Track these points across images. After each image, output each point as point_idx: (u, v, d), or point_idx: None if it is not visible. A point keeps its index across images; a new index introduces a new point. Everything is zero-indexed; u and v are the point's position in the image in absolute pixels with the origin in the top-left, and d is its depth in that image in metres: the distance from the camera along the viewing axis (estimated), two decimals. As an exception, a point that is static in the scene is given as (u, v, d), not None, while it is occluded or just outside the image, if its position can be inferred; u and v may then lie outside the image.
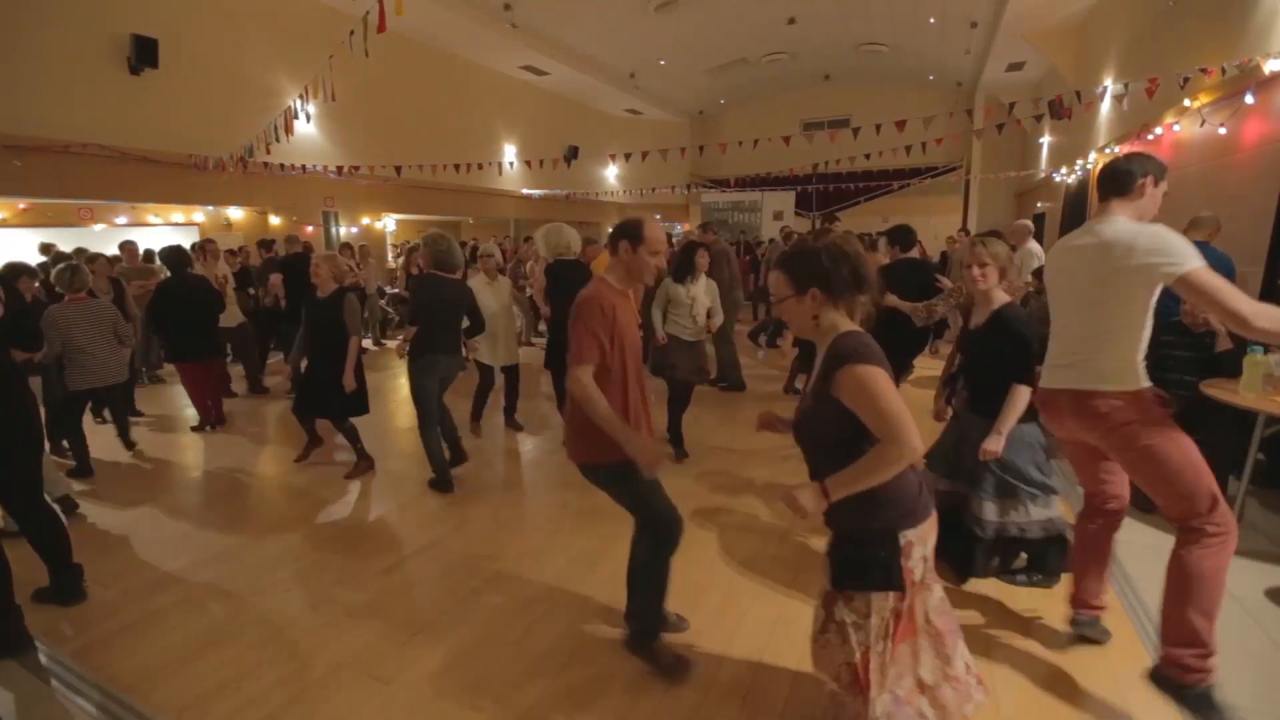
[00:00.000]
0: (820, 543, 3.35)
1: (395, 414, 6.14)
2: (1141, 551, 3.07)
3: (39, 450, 2.86)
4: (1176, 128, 6.77)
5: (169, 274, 5.55)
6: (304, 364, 4.50)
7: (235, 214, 10.40)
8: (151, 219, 10.06)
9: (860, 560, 1.60)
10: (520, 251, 10.12)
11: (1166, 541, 2.12)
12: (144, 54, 7.86)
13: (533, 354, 7.89)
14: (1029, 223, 7.29)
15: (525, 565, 3.20)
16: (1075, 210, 10.55)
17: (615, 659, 2.47)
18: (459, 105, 13.42)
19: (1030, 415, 2.72)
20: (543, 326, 7.91)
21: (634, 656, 2.40)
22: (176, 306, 5.26)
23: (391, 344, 8.93)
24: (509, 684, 2.34)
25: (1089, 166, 9.83)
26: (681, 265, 4.69)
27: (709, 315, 4.67)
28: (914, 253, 4.62)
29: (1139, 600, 2.77)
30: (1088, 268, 2.10)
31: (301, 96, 7.17)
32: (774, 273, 1.68)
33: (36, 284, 5.09)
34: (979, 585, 2.92)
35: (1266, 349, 3.30)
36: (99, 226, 9.36)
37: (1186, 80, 5.88)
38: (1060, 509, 2.90)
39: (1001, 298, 2.75)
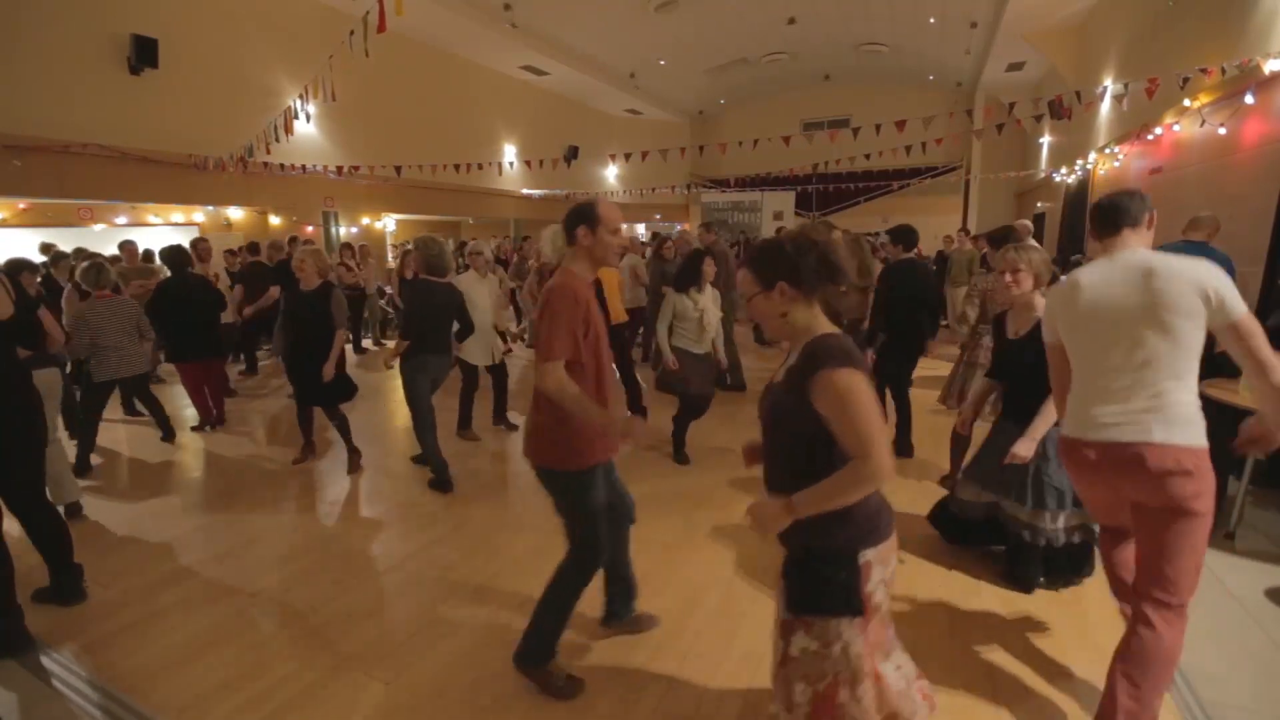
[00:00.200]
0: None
1: (395, 414, 6.14)
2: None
3: (40, 449, 2.86)
4: (1176, 128, 6.77)
5: (169, 274, 5.56)
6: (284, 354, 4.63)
7: (235, 214, 10.40)
8: (151, 219, 10.06)
9: (817, 582, 1.47)
10: (524, 249, 10.11)
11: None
12: (144, 54, 7.87)
13: (530, 354, 7.87)
14: (1028, 223, 7.28)
15: (525, 564, 3.20)
16: (1075, 210, 10.56)
17: (616, 657, 2.47)
18: (459, 105, 13.42)
19: None
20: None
21: (522, 675, 2.29)
22: (177, 306, 5.26)
23: (390, 344, 8.92)
24: (509, 683, 2.33)
25: (1089, 166, 9.83)
26: (686, 274, 4.51)
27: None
28: (913, 253, 4.64)
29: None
30: (1152, 299, 1.83)
31: (301, 96, 7.18)
32: (741, 270, 1.58)
33: (38, 279, 5.13)
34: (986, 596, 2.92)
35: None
36: (99, 226, 9.36)
37: (1186, 80, 5.88)
38: None
39: (1043, 305, 2.60)
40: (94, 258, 5.89)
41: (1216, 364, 3.51)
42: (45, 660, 2.54)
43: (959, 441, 3.90)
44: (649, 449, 4.92)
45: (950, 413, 4.36)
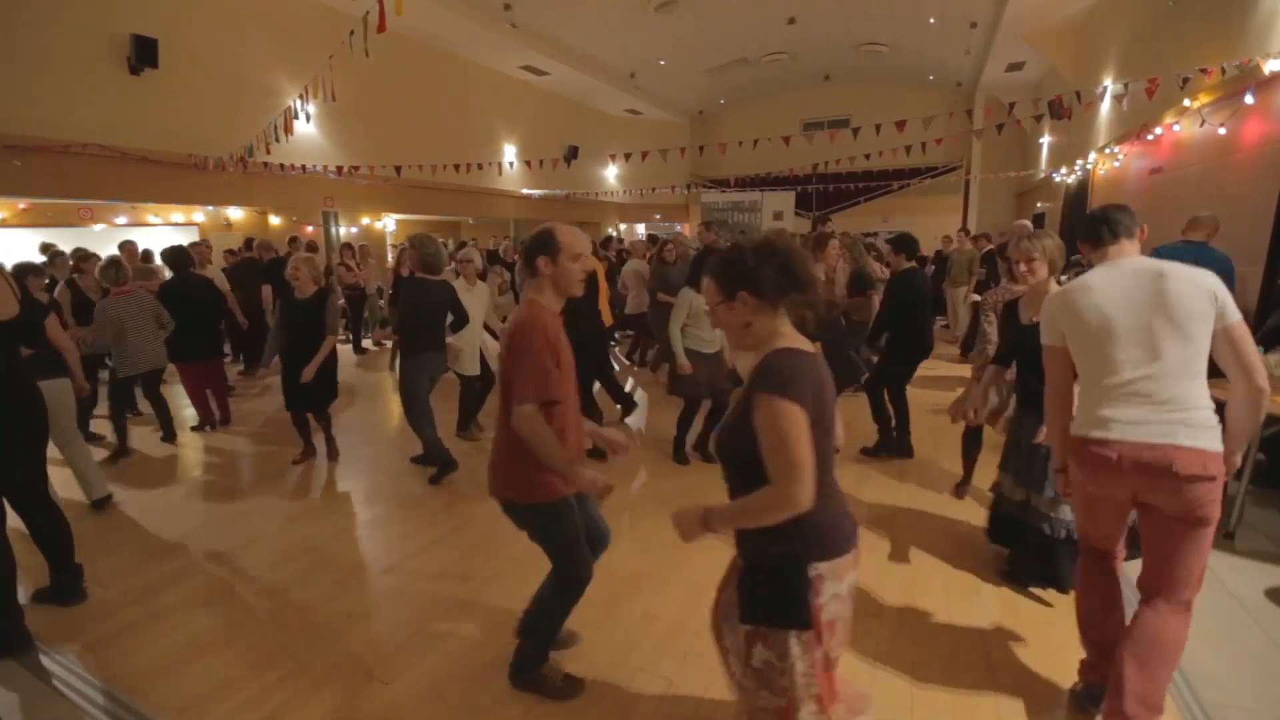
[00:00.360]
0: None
1: (395, 414, 6.14)
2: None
3: (40, 448, 2.86)
4: (1176, 128, 6.77)
5: (169, 274, 5.58)
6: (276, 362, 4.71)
7: (235, 214, 10.40)
8: (151, 219, 10.06)
9: (764, 593, 1.45)
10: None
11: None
12: (144, 54, 7.86)
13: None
14: (1028, 223, 7.29)
15: (525, 564, 3.19)
16: (1075, 210, 10.56)
17: (616, 657, 2.47)
18: (459, 105, 13.42)
19: None
20: None
21: (521, 690, 2.29)
22: (179, 307, 5.27)
23: (388, 344, 8.93)
24: (509, 683, 2.33)
25: (1089, 166, 9.83)
26: (701, 273, 4.51)
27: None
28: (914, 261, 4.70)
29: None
30: (1169, 302, 1.88)
31: (301, 96, 7.17)
32: (705, 279, 1.57)
33: (44, 283, 5.17)
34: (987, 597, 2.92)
35: (1266, 349, 3.30)
36: (99, 226, 9.36)
37: (1186, 80, 5.88)
38: None
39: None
40: (90, 256, 6.01)
41: (1217, 364, 3.53)
42: (45, 660, 2.54)
43: (971, 445, 3.86)
44: (649, 449, 4.92)
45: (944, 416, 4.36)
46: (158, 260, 7.88)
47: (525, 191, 15.49)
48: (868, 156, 10.78)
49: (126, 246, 7.25)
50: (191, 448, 5.26)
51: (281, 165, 9.17)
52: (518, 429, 1.99)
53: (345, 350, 7.62)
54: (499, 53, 13.15)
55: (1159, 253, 4.38)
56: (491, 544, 3.46)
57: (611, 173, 18.32)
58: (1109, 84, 8.23)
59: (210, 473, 4.71)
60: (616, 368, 5.54)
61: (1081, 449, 2.00)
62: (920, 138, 9.56)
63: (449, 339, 4.65)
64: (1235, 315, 1.86)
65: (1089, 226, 2.10)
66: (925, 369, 4.75)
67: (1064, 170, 10.98)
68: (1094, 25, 10.24)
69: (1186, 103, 6.23)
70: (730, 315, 1.49)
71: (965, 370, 7.11)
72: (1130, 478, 1.91)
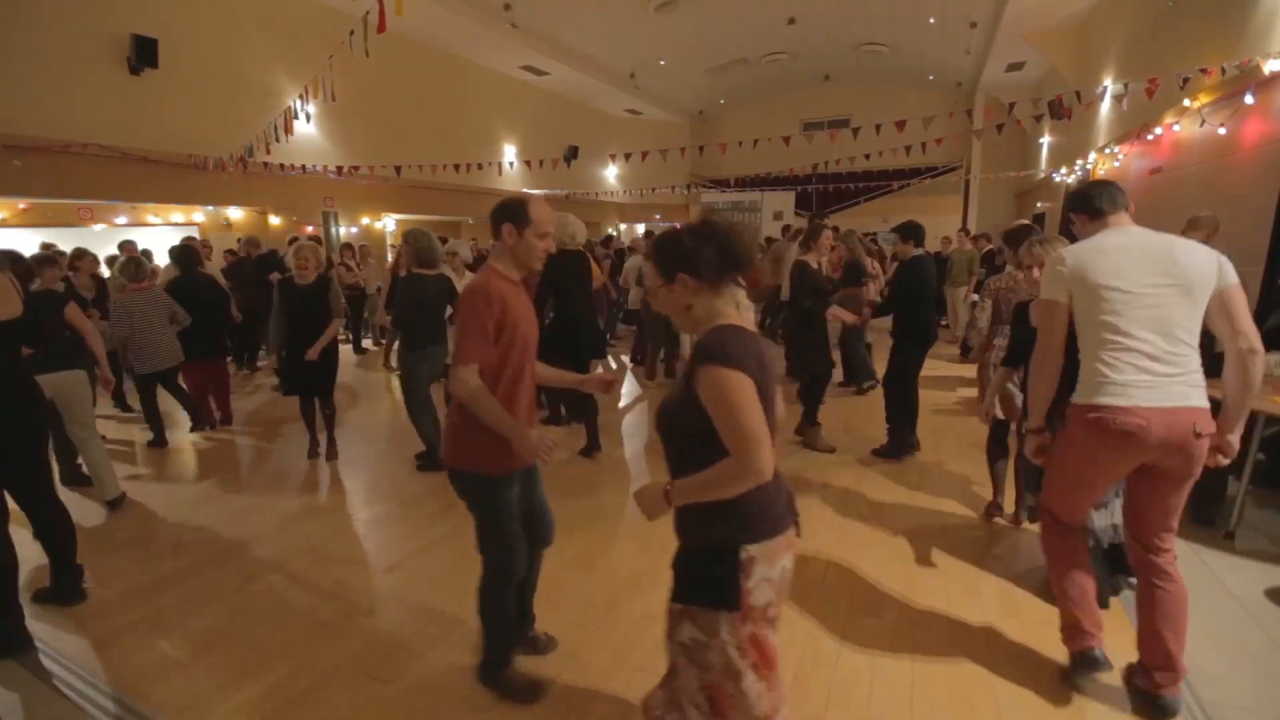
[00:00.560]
0: (817, 545, 3.36)
1: (396, 414, 6.14)
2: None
3: (41, 447, 2.87)
4: (1176, 128, 6.77)
5: (176, 273, 5.60)
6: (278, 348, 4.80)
7: (235, 214, 10.40)
8: (151, 219, 10.06)
9: (695, 572, 1.47)
10: None
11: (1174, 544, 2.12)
12: (144, 54, 7.86)
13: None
14: (1028, 223, 7.29)
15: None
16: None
17: (615, 657, 2.47)
18: (459, 105, 13.42)
19: None
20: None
21: (485, 688, 2.28)
22: (185, 306, 5.28)
23: (383, 341, 8.94)
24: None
25: (1089, 166, 9.83)
26: None
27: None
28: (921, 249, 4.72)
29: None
30: (1180, 267, 1.93)
31: (301, 96, 7.18)
32: (645, 264, 1.56)
33: (64, 274, 5.31)
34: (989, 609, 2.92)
35: (1266, 349, 3.29)
36: (99, 226, 9.35)
37: (1186, 80, 5.88)
38: None
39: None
40: (86, 255, 6.06)
41: (1216, 363, 3.52)
42: (45, 660, 2.54)
43: (996, 453, 3.62)
44: (652, 451, 4.91)
45: (957, 416, 4.36)
46: (158, 260, 7.91)
47: (525, 191, 15.50)
48: (868, 156, 10.78)
49: (126, 246, 7.25)
50: (191, 448, 5.26)
51: (281, 165, 9.18)
52: (456, 391, 1.99)
53: (345, 350, 7.62)
54: (499, 53, 13.15)
55: None
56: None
57: (611, 173, 18.32)
58: (1109, 84, 8.23)
59: (210, 473, 4.71)
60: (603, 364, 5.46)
61: (1097, 418, 1.97)
62: (920, 138, 9.56)
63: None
64: (1234, 278, 1.94)
65: (1086, 199, 2.12)
66: (925, 369, 4.75)
67: (1064, 170, 10.98)
68: (1094, 25, 10.24)
69: (1186, 103, 6.23)
70: (671, 297, 1.49)
71: (965, 370, 7.11)
72: (1150, 444, 1.92)
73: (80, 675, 2.45)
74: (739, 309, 1.49)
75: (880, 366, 4.98)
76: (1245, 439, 3.20)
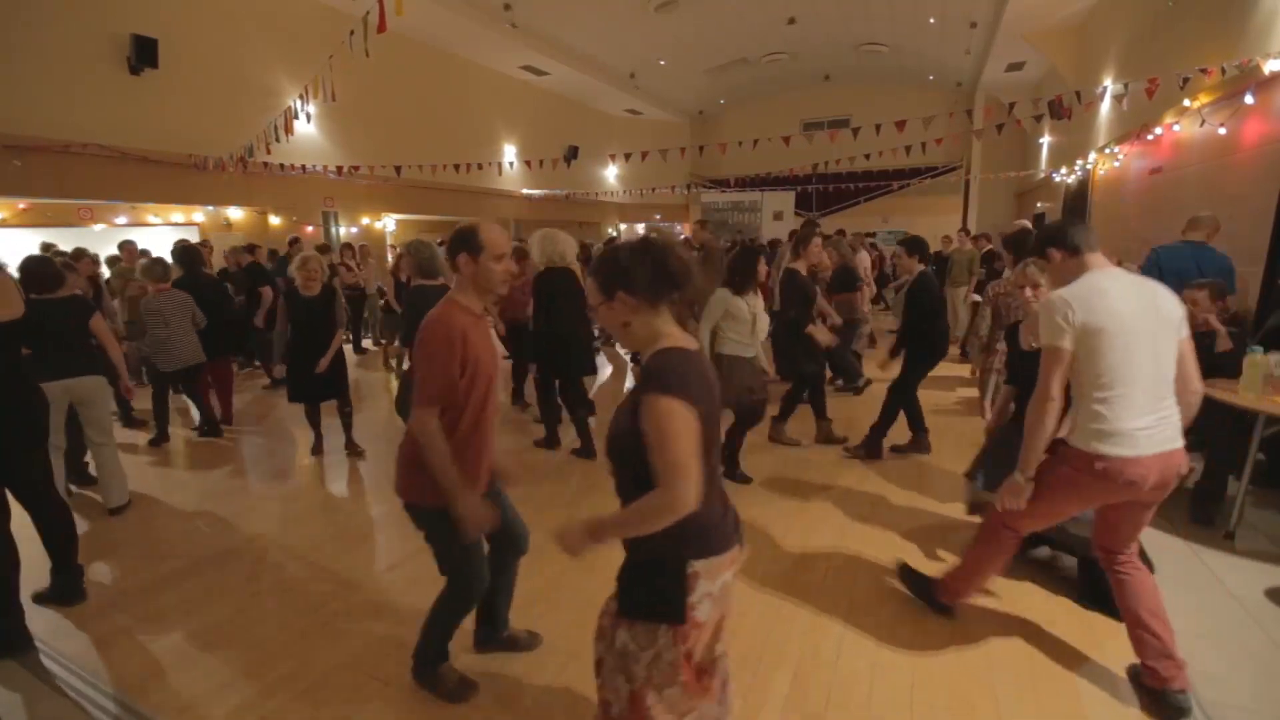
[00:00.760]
0: (817, 545, 3.36)
1: (397, 415, 6.13)
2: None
3: (41, 447, 2.87)
4: (1176, 128, 6.77)
5: (179, 273, 5.60)
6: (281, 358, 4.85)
7: (235, 214, 10.40)
8: (151, 219, 10.06)
9: (641, 585, 1.48)
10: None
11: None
12: (144, 54, 7.86)
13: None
14: (1027, 223, 7.28)
15: (526, 564, 3.18)
16: (1075, 211, 10.55)
17: (615, 659, 2.46)
18: (459, 105, 13.42)
19: None
20: None
21: (419, 685, 2.30)
22: None
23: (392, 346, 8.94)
24: (511, 683, 2.34)
25: (1089, 167, 9.83)
26: (743, 275, 4.03)
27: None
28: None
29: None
30: (1163, 312, 2.01)
31: (301, 96, 7.18)
32: (588, 280, 1.57)
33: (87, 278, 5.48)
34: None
35: (1266, 349, 3.30)
36: (99, 226, 9.35)
37: (1186, 80, 5.88)
38: None
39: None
40: (84, 256, 6.08)
41: (1217, 364, 3.52)
42: (45, 660, 2.54)
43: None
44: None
45: (957, 416, 4.36)
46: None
47: (525, 191, 15.50)
48: (868, 156, 10.77)
49: (126, 246, 7.25)
50: (192, 448, 5.26)
51: (281, 165, 9.17)
52: (411, 430, 1.98)
53: (345, 350, 7.61)
54: (499, 53, 13.15)
55: (1159, 253, 4.38)
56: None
57: (611, 173, 18.32)
58: (1109, 84, 8.23)
59: (210, 473, 4.71)
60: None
61: (1104, 468, 2.00)
62: (920, 138, 9.55)
63: None
64: (1187, 329, 2.09)
65: (1065, 235, 2.12)
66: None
67: (1064, 170, 10.98)
68: (1094, 25, 10.24)
69: (1186, 103, 6.23)
70: (610, 315, 1.49)
71: (965, 370, 7.11)
72: (1147, 488, 2.02)
73: (80, 675, 2.45)
74: (685, 328, 1.51)
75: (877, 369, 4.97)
76: (1245, 439, 3.23)
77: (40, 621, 2.74)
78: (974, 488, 3.09)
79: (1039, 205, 13.99)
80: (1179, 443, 2.03)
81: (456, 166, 10.35)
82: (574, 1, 11.76)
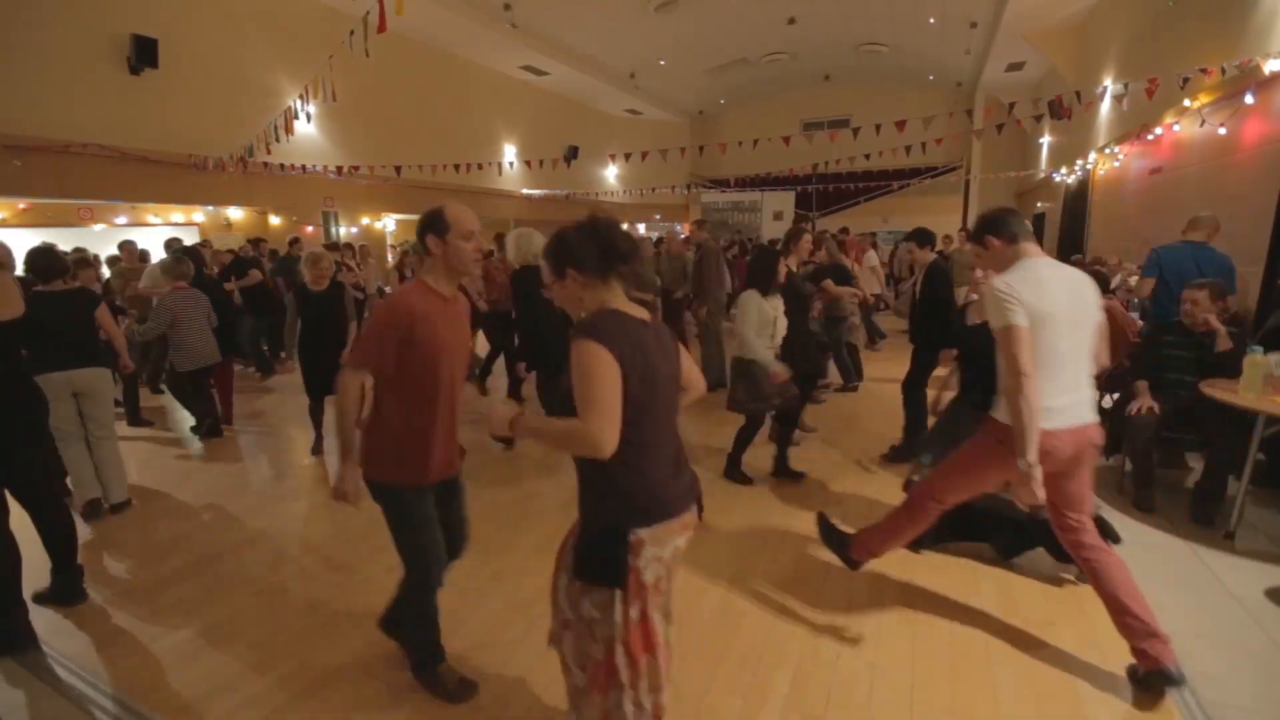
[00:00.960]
0: (817, 545, 3.35)
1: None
2: (1141, 551, 3.07)
3: (40, 446, 2.87)
4: (1176, 128, 6.78)
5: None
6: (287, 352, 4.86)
7: (235, 214, 10.41)
8: (151, 219, 10.06)
9: (589, 552, 1.57)
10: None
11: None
12: (144, 54, 7.87)
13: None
14: (1027, 224, 7.29)
15: (529, 562, 3.20)
16: (1075, 210, 10.56)
17: (615, 659, 2.46)
18: (459, 105, 13.43)
19: None
20: None
21: (419, 686, 2.30)
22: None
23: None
24: (510, 683, 2.34)
25: (1089, 166, 9.83)
26: (766, 276, 3.93)
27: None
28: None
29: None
30: (1086, 299, 2.19)
31: (301, 96, 7.18)
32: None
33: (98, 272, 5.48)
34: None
35: (1266, 349, 3.30)
36: (99, 226, 9.36)
37: (1186, 80, 5.88)
38: None
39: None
40: (86, 256, 6.11)
41: (1217, 364, 3.53)
42: (46, 660, 2.54)
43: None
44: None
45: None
46: (155, 260, 7.89)
47: (525, 191, 15.50)
48: (868, 156, 10.78)
49: (126, 246, 7.24)
50: (192, 448, 5.26)
51: (281, 165, 9.18)
52: (338, 388, 2.03)
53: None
54: (499, 53, 13.15)
55: (1159, 253, 4.38)
56: (493, 543, 3.45)
57: (611, 173, 18.33)
58: (1109, 84, 8.24)
59: (211, 472, 4.71)
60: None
61: (1043, 445, 2.14)
62: (920, 138, 9.56)
63: None
64: (1104, 314, 2.28)
65: (1003, 223, 2.25)
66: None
67: (1064, 170, 10.99)
68: (1094, 25, 10.24)
69: (1186, 103, 6.23)
70: (564, 292, 1.60)
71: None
72: (1062, 459, 2.15)
73: (80, 675, 2.45)
74: (629, 299, 1.60)
75: (878, 368, 4.97)
76: (1245, 439, 3.22)
77: (40, 621, 2.73)
78: (922, 466, 3.14)
79: (1039, 205, 13.99)
80: (1091, 418, 2.19)
81: (456, 166, 10.36)
82: (574, 1, 11.77)
